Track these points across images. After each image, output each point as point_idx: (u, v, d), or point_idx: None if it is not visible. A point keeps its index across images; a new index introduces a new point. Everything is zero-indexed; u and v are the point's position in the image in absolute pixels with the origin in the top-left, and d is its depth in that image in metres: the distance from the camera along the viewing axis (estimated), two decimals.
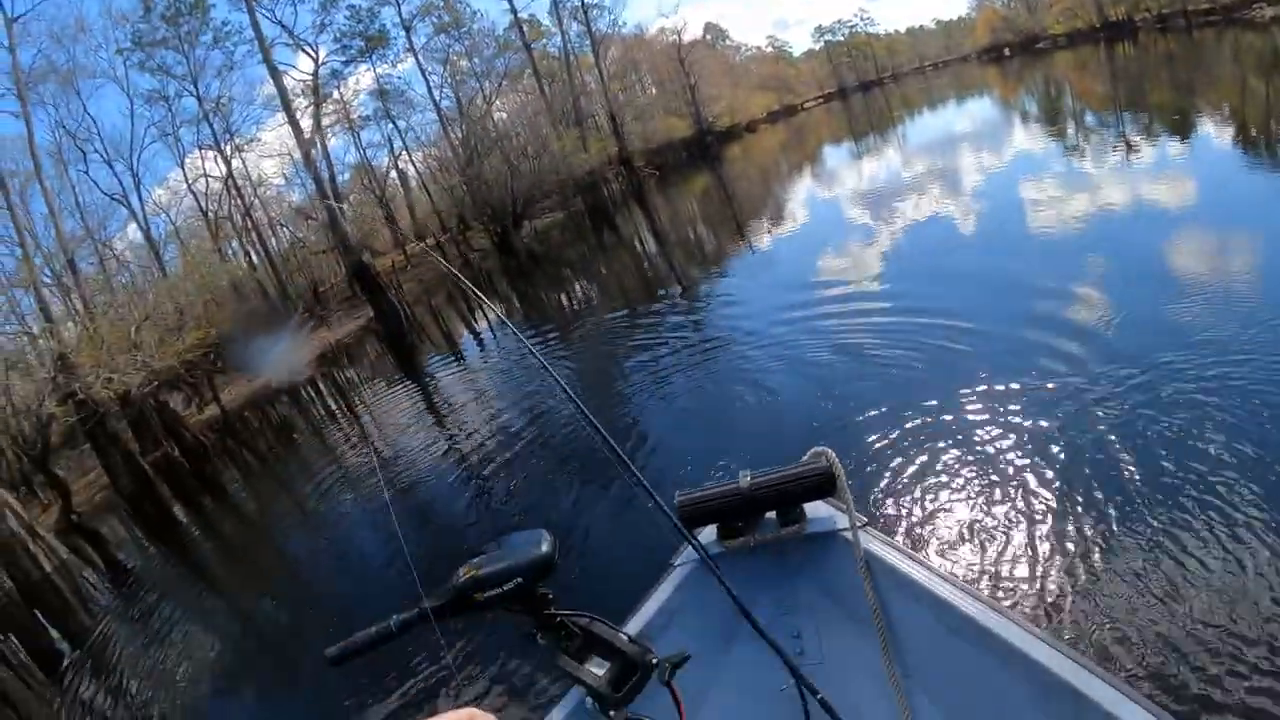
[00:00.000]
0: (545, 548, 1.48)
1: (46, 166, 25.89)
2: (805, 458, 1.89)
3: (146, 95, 31.59)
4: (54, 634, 9.15)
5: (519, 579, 1.44)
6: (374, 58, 37.42)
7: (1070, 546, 3.38)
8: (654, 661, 1.43)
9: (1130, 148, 11.71)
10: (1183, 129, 12.47)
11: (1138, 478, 3.65)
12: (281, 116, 30.82)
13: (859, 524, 1.79)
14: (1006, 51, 69.52)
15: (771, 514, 1.92)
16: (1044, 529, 3.54)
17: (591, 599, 1.65)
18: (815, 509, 1.92)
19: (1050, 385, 4.75)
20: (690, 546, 1.70)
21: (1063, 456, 4.01)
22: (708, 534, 1.96)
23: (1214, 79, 20.75)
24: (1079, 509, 3.59)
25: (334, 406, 16.14)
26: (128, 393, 16.80)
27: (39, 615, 10.25)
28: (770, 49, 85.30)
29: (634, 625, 1.79)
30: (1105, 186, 9.63)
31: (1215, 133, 11.57)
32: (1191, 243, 6.75)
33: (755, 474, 1.86)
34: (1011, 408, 4.61)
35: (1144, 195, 8.75)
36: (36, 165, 24.42)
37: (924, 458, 4.37)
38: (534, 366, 10.49)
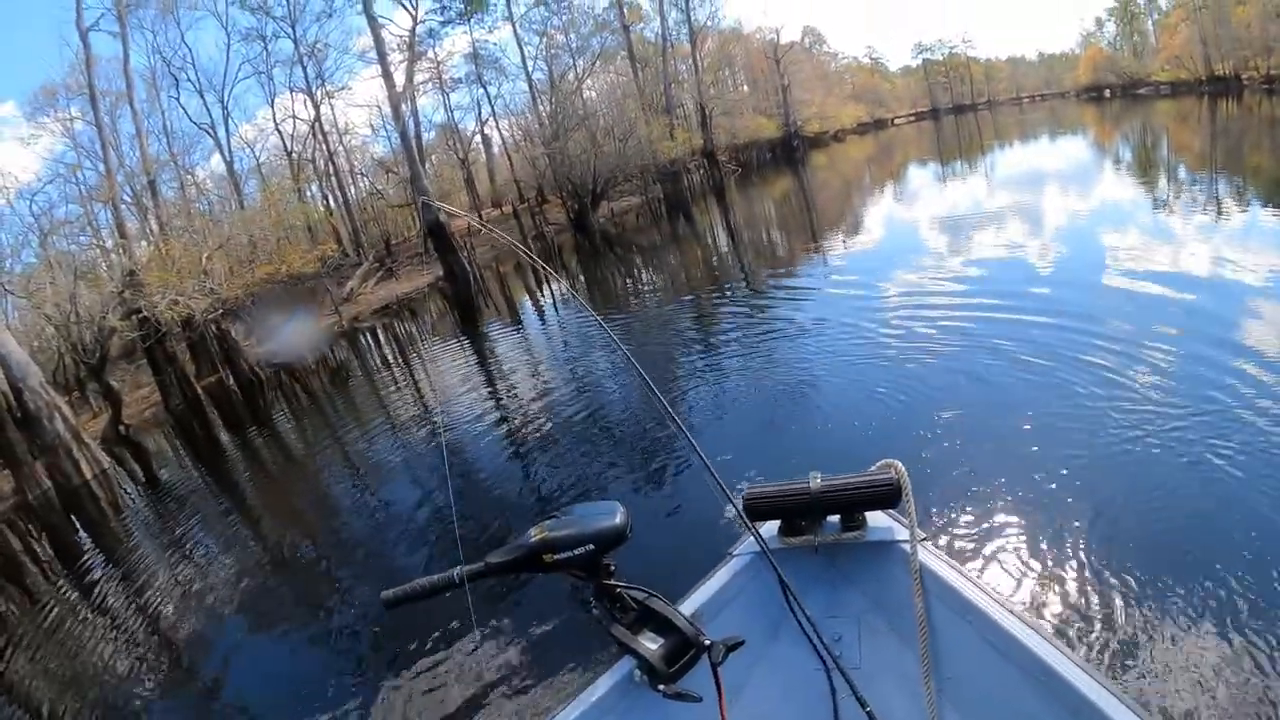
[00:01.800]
0: (620, 519, 1.53)
1: (139, 89, 26.51)
2: (874, 467, 1.90)
3: (244, 32, 32.17)
4: (86, 541, 8.97)
5: (590, 545, 1.49)
6: (472, 22, 37.77)
7: (1136, 592, 3.22)
8: (709, 643, 1.47)
9: (1220, 210, 11.01)
10: (1276, 198, 11.71)
11: (1219, 539, 3.41)
12: (374, 69, 31.29)
13: (919, 538, 1.81)
14: (1107, 93, 67.65)
15: (834, 518, 1.94)
16: (1110, 570, 3.36)
17: (650, 576, 1.55)
18: (877, 518, 1.94)
19: (1130, 429, 4.51)
20: (751, 538, 1.86)
21: (1140, 502, 3.81)
22: (768, 529, 1.99)
23: None
24: (1151, 555, 3.41)
25: (391, 357, 15.95)
26: (191, 317, 16.80)
27: (74, 520, 10.11)
28: (867, 60, 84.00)
29: (688, 606, 1.79)
30: (1190, 244, 9.06)
31: None
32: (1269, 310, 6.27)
33: (825, 477, 1.87)
34: (1087, 447, 4.39)
35: (1227, 259, 8.08)
36: (129, 86, 24.84)
37: (994, 481, 4.22)
38: (597, 343, 10.33)
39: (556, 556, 1.48)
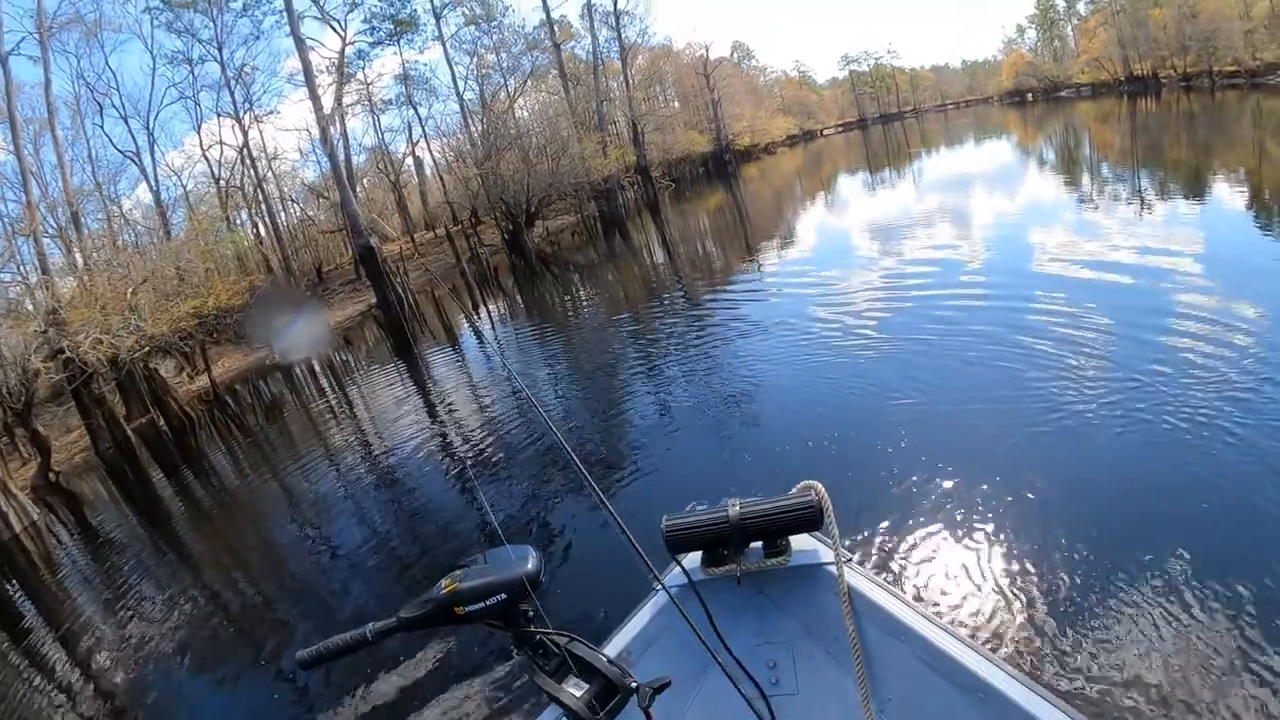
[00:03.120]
0: (531, 565, 1.48)
1: (62, 116, 25.65)
2: (794, 490, 1.86)
3: (170, 56, 31.25)
4: (19, 596, 8.84)
5: (502, 595, 1.44)
6: (401, 42, 37.40)
7: (1055, 594, 3.38)
8: (634, 685, 1.41)
9: (1144, 203, 11.75)
10: (1197, 189, 12.55)
11: (1131, 532, 3.65)
12: (302, 92, 30.93)
13: (844, 559, 1.78)
14: (1029, 97, 70.39)
15: (758, 544, 1.90)
16: (1030, 575, 3.53)
17: (572, 617, 1.64)
18: (801, 542, 1.91)
19: (1045, 432, 4.79)
20: (674, 571, 1.83)
21: (1055, 506, 4.01)
22: (692, 560, 1.93)
23: (1232, 141, 20.91)
24: (1067, 558, 3.58)
25: (326, 390, 15.88)
26: (116, 356, 16.26)
27: (4, 576, 9.91)
28: (795, 73, 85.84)
29: (613, 647, 1.77)
30: (1113, 238, 9.63)
31: (1227, 195, 11.67)
32: (1194, 298, 6.79)
33: (744, 503, 1.83)
34: (1004, 453, 4.62)
35: (1150, 250, 8.73)
36: (51, 113, 24.07)
37: (914, 497, 4.36)
38: (531, 370, 10.48)
39: (469, 608, 1.45)
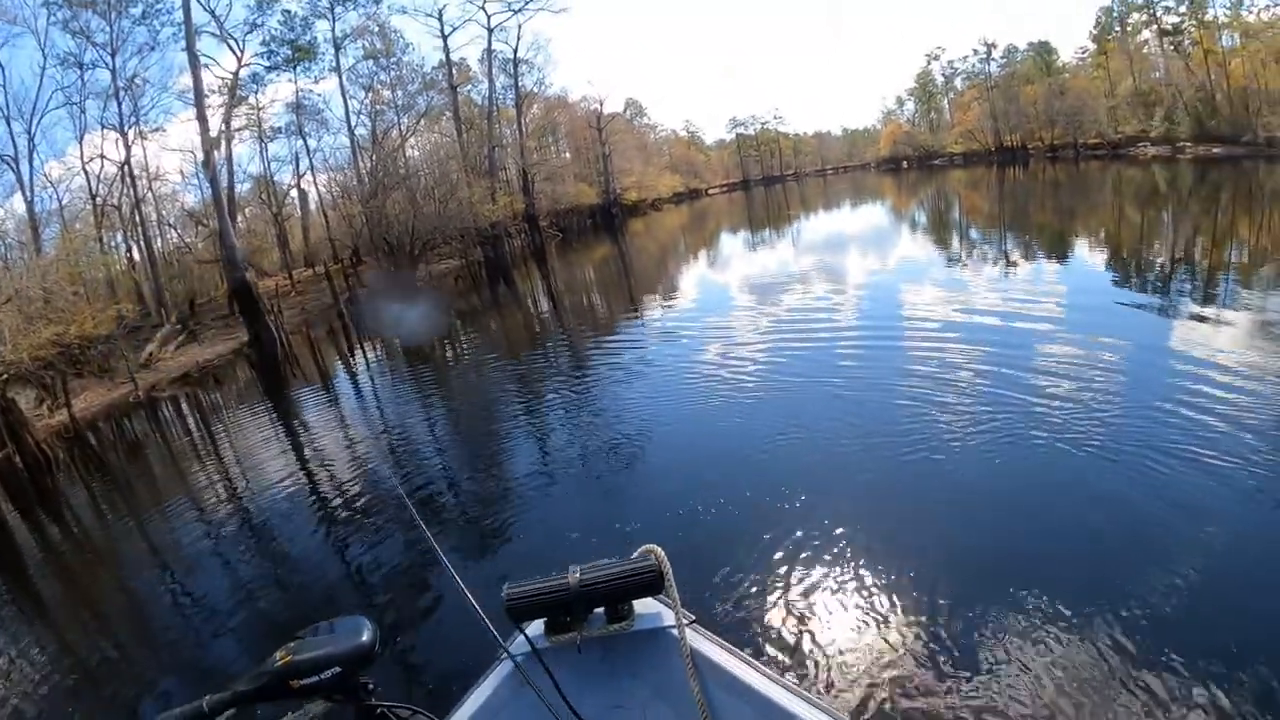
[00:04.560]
0: (366, 636, 1.44)
1: None
2: (635, 554, 1.85)
3: (62, 56, 29.62)
4: None
5: (337, 668, 1.39)
6: (298, 69, 37.13)
7: (903, 640, 3.61)
8: None
9: (1009, 262, 13.02)
10: (1059, 248, 13.93)
11: (983, 571, 4.04)
12: (191, 111, 29.60)
13: (685, 621, 1.79)
14: (905, 164, 76.03)
15: (600, 610, 1.89)
16: (865, 625, 3.78)
17: (418, 687, 1.94)
18: (645, 605, 1.92)
19: (892, 478, 5.37)
20: (518, 640, 1.81)
21: (887, 551, 4.38)
22: (535, 628, 1.91)
23: (1094, 205, 23.22)
24: (916, 602, 3.88)
25: (192, 430, 15.65)
26: None
27: None
28: (685, 133, 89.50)
29: (459, 718, 1.75)
30: (980, 292, 10.64)
31: (1087, 254, 13.20)
32: (1055, 341, 7.89)
33: (584, 568, 1.81)
34: (851, 503, 5.06)
35: (1014, 304, 9.79)
36: None
37: (760, 551, 4.62)
38: (403, 420, 10.80)
39: (303, 682, 1.38)
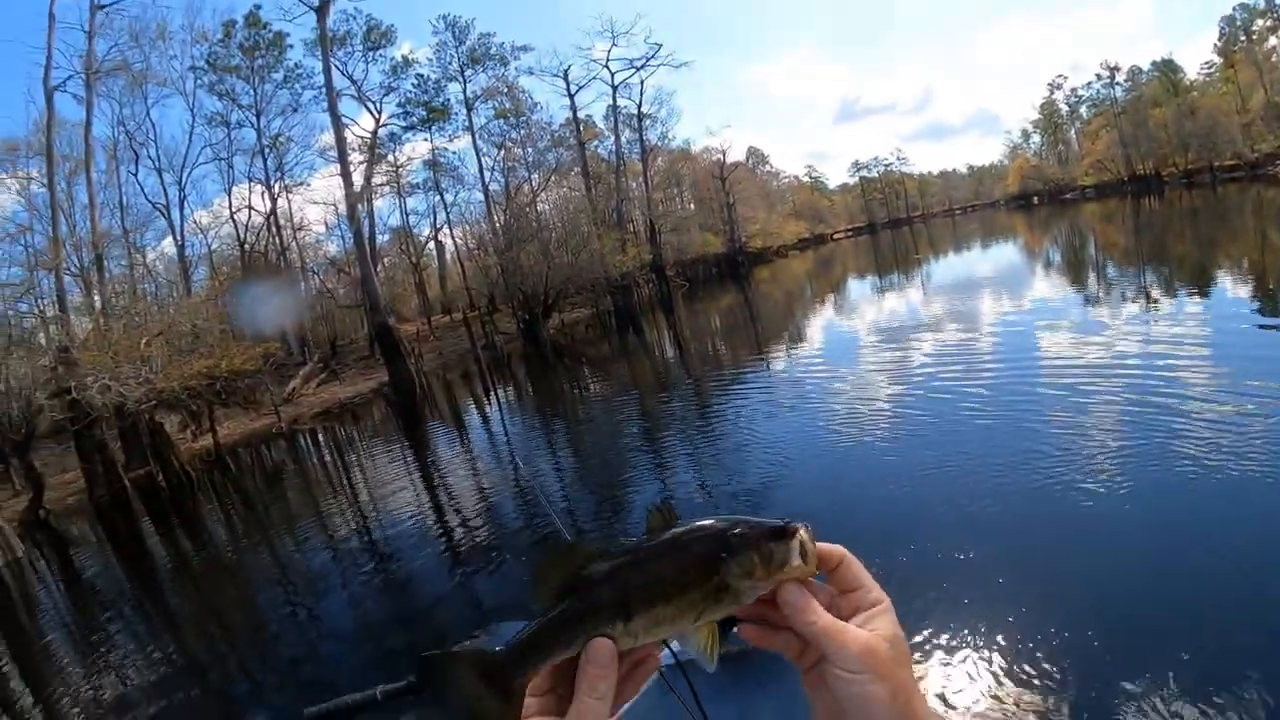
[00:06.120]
0: None
1: (99, 159, 26.03)
2: None
3: (209, 116, 32.44)
4: None
5: None
6: (433, 129, 39.29)
7: (1049, 679, 3.35)
8: None
9: (1150, 300, 11.95)
10: (1201, 281, 12.79)
11: (1104, 634, 3.56)
12: (333, 167, 31.83)
13: None
14: (1035, 200, 72.05)
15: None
16: (992, 676, 3.49)
17: None
18: None
19: (1040, 516, 4.93)
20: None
21: (1046, 595, 4.02)
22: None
23: (1234, 233, 21.29)
24: (1065, 644, 3.55)
25: (329, 463, 15.83)
26: (123, 404, 16.02)
27: None
28: (807, 178, 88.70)
29: None
30: (1118, 338, 9.75)
31: (1231, 285, 12.00)
32: (1202, 387, 6.91)
33: None
34: (974, 554, 4.63)
35: (1156, 343, 8.87)
36: (88, 153, 24.41)
37: (908, 581, 4.37)
38: (535, 458, 10.55)
39: None
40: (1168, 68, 58.34)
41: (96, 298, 23.35)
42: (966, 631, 3.80)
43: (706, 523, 0.59)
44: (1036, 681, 3.35)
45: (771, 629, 0.62)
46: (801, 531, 0.58)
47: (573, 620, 0.56)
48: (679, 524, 0.60)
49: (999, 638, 3.70)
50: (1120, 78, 61.22)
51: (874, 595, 0.61)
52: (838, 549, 0.62)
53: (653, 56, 43.27)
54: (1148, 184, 54.09)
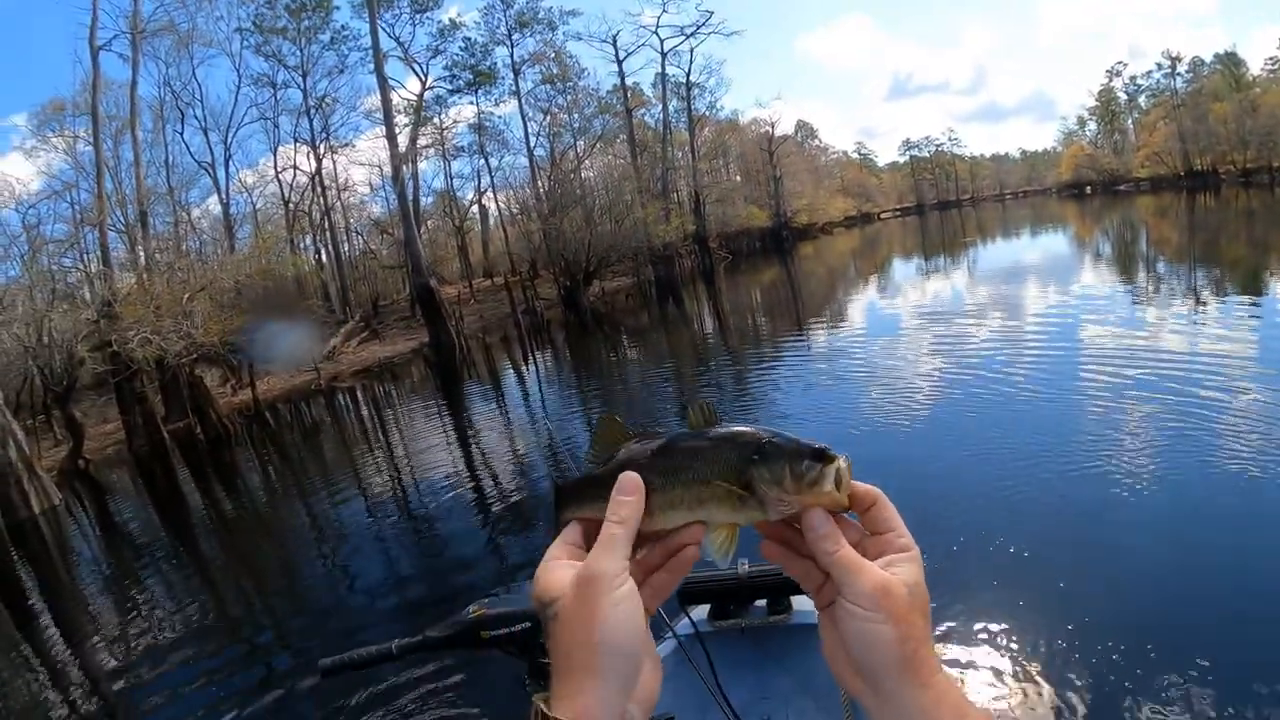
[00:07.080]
0: None
1: (144, 118, 26.05)
2: None
3: (255, 77, 32.36)
4: (27, 580, 8.76)
5: (527, 623, 1.50)
6: (479, 93, 38.84)
7: (1055, 670, 3.31)
8: None
9: (1199, 300, 11.49)
10: (1254, 285, 12.31)
11: (1136, 636, 3.43)
12: (379, 129, 31.66)
13: None
14: (1088, 189, 69.66)
15: (762, 602, 2.04)
16: (1056, 654, 3.42)
17: None
18: (802, 603, 2.00)
19: (1075, 513, 4.81)
20: (683, 620, 1.95)
21: (1070, 589, 3.94)
22: (699, 612, 2.06)
23: None
24: (1088, 641, 3.46)
25: (367, 420, 15.87)
26: (163, 357, 16.21)
27: (16, 554, 9.77)
28: (856, 155, 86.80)
29: None
30: (1164, 333, 9.54)
31: None
32: (1243, 394, 6.60)
33: (752, 563, 1.95)
34: (1008, 544, 4.52)
35: (1201, 350, 8.45)
36: (134, 112, 24.30)
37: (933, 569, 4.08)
38: (569, 422, 10.57)
39: (493, 633, 1.50)
40: (1230, 61, 55.32)
41: (140, 253, 23.49)
42: (987, 619, 3.74)
43: (748, 428, 0.60)
44: (1054, 674, 3.29)
45: (794, 553, 0.60)
46: (840, 460, 0.57)
47: (607, 480, 0.60)
48: (721, 425, 0.60)
49: (1019, 625, 3.66)
50: (1181, 68, 58.40)
51: (904, 541, 0.58)
52: (874, 489, 0.60)
53: (703, 24, 42.02)
54: (1204, 180, 51.73)
